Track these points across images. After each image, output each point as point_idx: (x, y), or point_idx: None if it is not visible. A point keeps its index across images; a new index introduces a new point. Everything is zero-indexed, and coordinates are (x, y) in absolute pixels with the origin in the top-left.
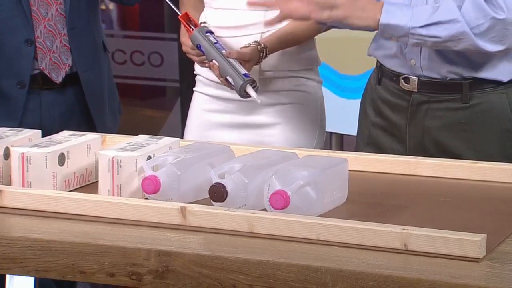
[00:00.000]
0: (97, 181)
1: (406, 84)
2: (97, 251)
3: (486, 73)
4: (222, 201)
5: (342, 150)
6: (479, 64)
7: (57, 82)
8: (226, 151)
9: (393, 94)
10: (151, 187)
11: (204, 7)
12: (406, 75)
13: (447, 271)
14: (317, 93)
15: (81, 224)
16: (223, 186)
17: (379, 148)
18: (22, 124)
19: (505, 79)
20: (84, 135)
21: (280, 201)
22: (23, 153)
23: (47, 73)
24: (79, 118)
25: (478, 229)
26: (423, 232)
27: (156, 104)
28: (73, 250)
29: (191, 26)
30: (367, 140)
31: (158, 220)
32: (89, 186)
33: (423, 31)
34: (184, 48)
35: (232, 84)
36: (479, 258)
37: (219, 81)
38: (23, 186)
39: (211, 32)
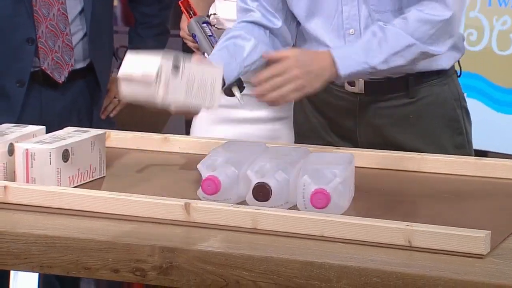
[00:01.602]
0: (103, 178)
1: (352, 87)
2: (101, 247)
3: (429, 65)
4: (267, 200)
5: None
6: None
7: (60, 81)
8: (263, 148)
9: (337, 97)
10: (212, 188)
11: None
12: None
13: (451, 267)
14: None
15: (86, 220)
16: (268, 185)
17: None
18: (21, 120)
19: (447, 66)
20: (88, 131)
21: (323, 200)
22: (27, 149)
23: (49, 73)
24: (80, 115)
25: (482, 226)
26: (427, 228)
27: None
28: (78, 246)
29: (190, 13)
30: (316, 142)
31: (162, 216)
32: (93, 182)
33: (384, 66)
34: (181, 33)
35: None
36: (483, 255)
37: None
38: (27, 182)
39: (208, 23)
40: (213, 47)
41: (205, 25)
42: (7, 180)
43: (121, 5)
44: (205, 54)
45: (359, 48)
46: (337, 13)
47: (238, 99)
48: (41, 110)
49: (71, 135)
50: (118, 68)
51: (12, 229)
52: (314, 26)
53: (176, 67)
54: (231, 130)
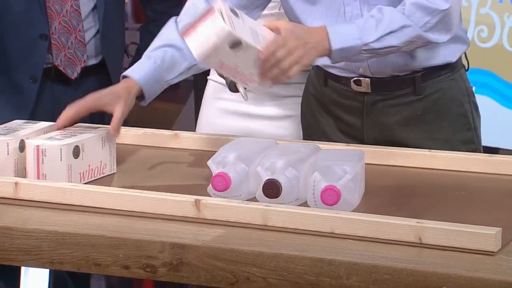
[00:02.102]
0: (113, 174)
1: (358, 86)
2: (112, 244)
3: (436, 59)
4: (277, 197)
5: None
6: (426, 53)
7: (72, 78)
8: (273, 145)
9: (344, 96)
10: (222, 184)
11: None
12: (356, 78)
13: (462, 264)
14: None
15: (96, 216)
16: (278, 182)
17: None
18: (33, 115)
19: (454, 58)
20: (99, 127)
21: (333, 197)
22: (38, 146)
23: (62, 69)
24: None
25: (493, 223)
26: (438, 225)
27: (170, 97)
28: (88, 243)
29: None
30: (321, 140)
31: (172, 212)
32: (104, 179)
33: (377, 45)
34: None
35: (224, 76)
36: (494, 252)
37: None
38: (37, 178)
39: None
40: None
41: None
42: (18, 177)
43: (132, 2)
44: None
45: (354, 26)
46: (340, 13)
47: (242, 95)
48: (54, 106)
49: (81, 131)
50: (129, 65)
51: (22, 225)
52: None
53: (234, 11)
54: (237, 124)
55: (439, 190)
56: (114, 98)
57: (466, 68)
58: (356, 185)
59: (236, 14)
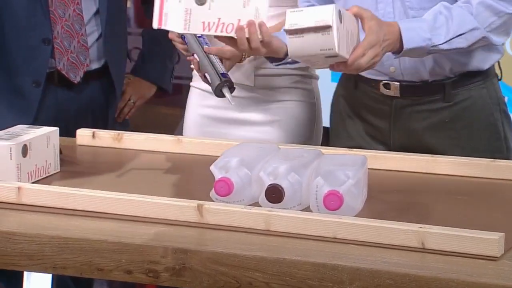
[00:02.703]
0: (113, 179)
1: (387, 90)
2: (114, 249)
3: (469, 65)
4: (280, 202)
5: None
6: (461, 58)
7: (75, 82)
8: (275, 150)
9: (373, 98)
10: (225, 189)
11: None
12: (386, 81)
13: (465, 269)
14: (313, 89)
15: (99, 221)
16: (280, 187)
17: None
18: (37, 120)
19: (486, 66)
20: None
21: (336, 202)
22: None
23: (64, 73)
24: (95, 115)
25: (496, 228)
26: (440, 230)
27: (172, 102)
28: (91, 247)
29: None
30: (347, 143)
31: (175, 217)
32: (105, 183)
33: (445, 46)
34: (170, 35)
35: (209, 81)
36: (496, 257)
37: None
38: None
39: None
40: (203, 48)
41: None
42: (21, 181)
43: (134, 7)
44: (195, 55)
45: (425, 25)
46: (372, 9)
47: (229, 100)
48: (57, 110)
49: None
50: (132, 70)
51: (25, 230)
52: None
53: (340, 14)
54: (222, 131)
55: (442, 195)
56: None
57: (499, 77)
58: (358, 190)
59: (341, 18)
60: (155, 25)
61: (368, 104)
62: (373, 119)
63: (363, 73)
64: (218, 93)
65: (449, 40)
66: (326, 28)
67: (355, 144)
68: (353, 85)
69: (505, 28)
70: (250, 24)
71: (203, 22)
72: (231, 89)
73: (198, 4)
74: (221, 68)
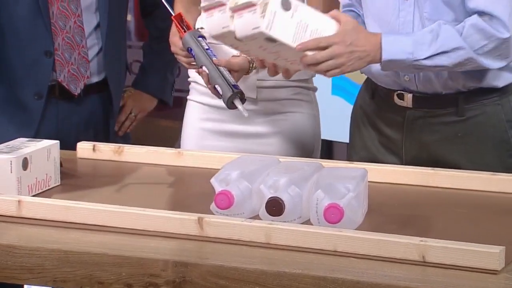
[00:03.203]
0: (114, 191)
1: (400, 101)
2: (115, 262)
3: (482, 82)
4: (280, 215)
5: None
6: (475, 73)
7: (76, 94)
8: (276, 162)
9: (387, 109)
10: (225, 202)
11: (199, 11)
12: (400, 92)
13: (465, 283)
14: (313, 101)
15: (99, 234)
16: (281, 200)
17: (374, 161)
18: (38, 133)
19: (500, 84)
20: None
21: (336, 215)
22: None
23: (65, 85)
24: (96, 128)
25: (497, 241)
26: (441, 244)
27: (172, 115)
28: (91, 261)
29: (184, 27)
30: (361, 153)
31: (175, 230)
32: (106, 196)
33: (428, 62)
34: (173, 48)
35: (220, 93)
36: (497, 270)
37: None
38: None
39: (203, 37)
40: (212, 60)
41: (200, 38)
42: (21, 194)
43: (135, 20)
44: (204, 68)
45: (410, 40)
46: (393, 17)
47: (242, 111)
48: (58, 123)
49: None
50: (133, 83)
51: (25, 244)
52: (370, 28)
53: (287, 3)
54: (224, 144)
55: (442, 208)
56: None
57: None
58: (359, 203)
59: (287, 7)
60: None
61: (383, 114)
62: (387, 130)
63: (378, 82)
64: (230, 105)
65: (431, 56)
66: (251, 6)
67: (369, 154)
68: (371, 95)
69: (500, 52)
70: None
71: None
72: (242, 100)
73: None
74: (232, 80)
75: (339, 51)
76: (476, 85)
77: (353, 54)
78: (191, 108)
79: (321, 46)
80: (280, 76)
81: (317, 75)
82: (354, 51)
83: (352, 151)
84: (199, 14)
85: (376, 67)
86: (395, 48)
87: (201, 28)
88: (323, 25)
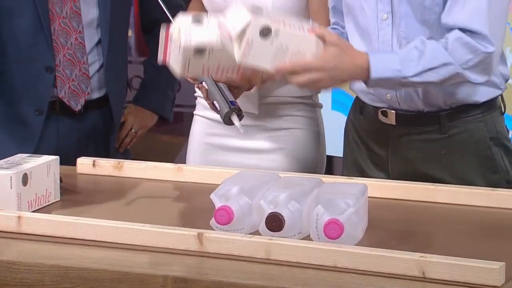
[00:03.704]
0: (114, 208)
1: (384, 118)
2: (114, 278)
3: (463, 98)
4: (280, 230)
5: None
6: (454, 90)
7: (76, 110)
8: (276, 178)
9: (374, 125)
10: (225, 218)
11: None
12: (384, 109)
13: None
14: (318, 117)
15: (99, 250)
16: (281, 215)
17: (364, 176)
18: (38, 149)
19: (481, 99)
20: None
21: (336, 230)
22: None
23: (66, 101)
24: (96, 144)
25: (497, 257)
26: (441, 259)
27: (173, 130)
28: (90, 277)
29: None
30: (352, 168)
31: (175, 246)
32: (106, 211)
33: (416, 79)
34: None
35: (218, 109)
36: (498, 287)
37: None
38: None
39: None
40: (210, 76)
41: None
42: (21, 210)
43: (136, 36)
44: (203, 83)
45: (397, 57)
46: (374, 36)
47: (238, 127)
48: (58, 139)
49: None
50: (133, 99)
51: (25, 259)
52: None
53: (266, 30)
54: (228, 159)
55: (443, 223)
56: None
57: (503, 111)
58: (359, 219)
59: (267, 34)
60: (159, 60)
61: (370, 131)
62: (374, 146)
63: (364, 99)
64: (227, 121)
65: (419, 73)
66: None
67: (359, 169)
68: (359, 111)
69: (484, 67)
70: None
71: (203, 65)
72: (240, 116)
73: (196, 56)
74: (230, 96)
75: (317, 78)
76: (457, 102)
77: (335, 77)
78: (196, 123)
79: (296, 71)
80: (283, 92)
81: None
82: (336, 75)
83: (344, 166)
84: None
85: (358, 84)
86: (383, 66)
87: None
88: (305, 46)
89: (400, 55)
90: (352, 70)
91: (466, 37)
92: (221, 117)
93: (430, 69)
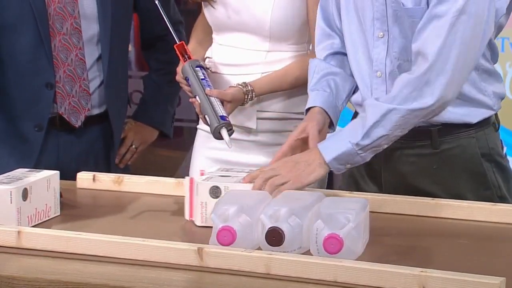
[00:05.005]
0: (114, 222)
1: None
2: None
3: (455, 118)
4: (280, 245)
5: None
6: (445, 112)
7: (76, 126)
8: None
9: None
10: (228, 238)
11: (211, 42)
12: None
13: None
14: None
15: (98, 265)
16: (281, 230)
17: (359, 189)
18: (38, 164)
19: (474, 120)
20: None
21: (336, 245)
22: None
23: (66, 117)
24: (96, 159)
25: (497, 272)
26: (442, 274)
27: (173, 144)
28: None
29: (185, 57)
30: (347, 179)
31: (175, 261)
32: (106, 225)
33: (367, 141)
34: (177, 77)
35: (209, 123)
36: None
37: None
38: None
39: (202, 67)
40: (204, 90)
41: (198, 68)
42: (21, 225)
43: (136, 50)
44: (197, 97)
45: (343, 131)
46: (371, 54)
47: (226, 143)
48: (58, 154)
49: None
50: (133, 115)
51: (25, 274)
52: (355, 64)
53: (216, 191)
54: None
55: (443, 238)
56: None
57: (497, 128)
58: (359, 234)
59: (217, 195)
60: (187, 217)
61: None
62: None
63: (359, 110)
64: (217, 135)
65: (366, 133)
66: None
67: (353, 181)
68: None
69: (419, 88)
70: None
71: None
72: (230, 131)
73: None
74: (221, 111)
75: (285, 170)
76: (447, 121)
77: (298, 165)
78: (199, 137)
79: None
80: (280, 107)
81: None
82: (299, 162)
83: (342, 179)
84: (211, 44)
85: (355, 97)
86: (332, 146)
87: (209, 57)
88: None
89: (347, 127)
90: (307, 159)
91: (405, 74)
92: (211, 131)
93: (373, 125)
